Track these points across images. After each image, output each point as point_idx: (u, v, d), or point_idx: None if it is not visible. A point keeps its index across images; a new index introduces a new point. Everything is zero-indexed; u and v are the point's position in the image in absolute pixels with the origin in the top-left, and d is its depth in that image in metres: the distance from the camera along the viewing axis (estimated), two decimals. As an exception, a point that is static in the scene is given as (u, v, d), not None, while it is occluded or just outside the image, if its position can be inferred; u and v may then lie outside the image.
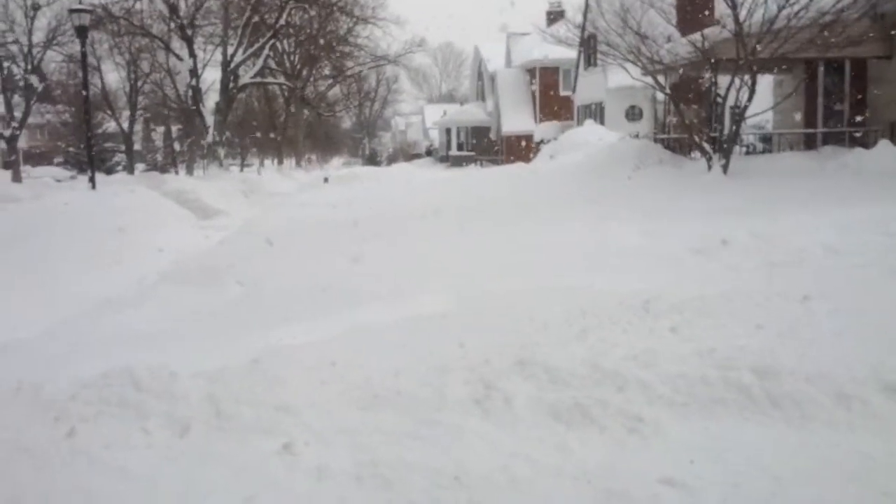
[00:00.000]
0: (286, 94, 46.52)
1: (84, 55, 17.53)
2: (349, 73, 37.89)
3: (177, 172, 42.33)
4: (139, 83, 44.64)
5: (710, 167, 14.20)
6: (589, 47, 31.59)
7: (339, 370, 3.81)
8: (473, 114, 46.62)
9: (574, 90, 34.20)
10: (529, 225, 10.99)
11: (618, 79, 28.14)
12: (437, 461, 2.90)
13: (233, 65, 28.27)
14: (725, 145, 14.21)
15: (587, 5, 30.61)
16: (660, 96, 28.85)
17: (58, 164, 55.05)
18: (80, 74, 46.55)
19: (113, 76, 47.44)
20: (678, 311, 4.50)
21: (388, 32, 57.30)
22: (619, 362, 3.70)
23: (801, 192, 11.70)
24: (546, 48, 37.84)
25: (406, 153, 68.36)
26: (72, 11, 16.59)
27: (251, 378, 3.69)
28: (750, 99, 14.07)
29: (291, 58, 42.86)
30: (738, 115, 14.13)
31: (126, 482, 2.92)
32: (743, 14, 13.54)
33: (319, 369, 3.82)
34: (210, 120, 28.59)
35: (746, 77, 13.93)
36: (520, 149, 37.59)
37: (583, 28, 31.98)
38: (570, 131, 28.38)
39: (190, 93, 44.83)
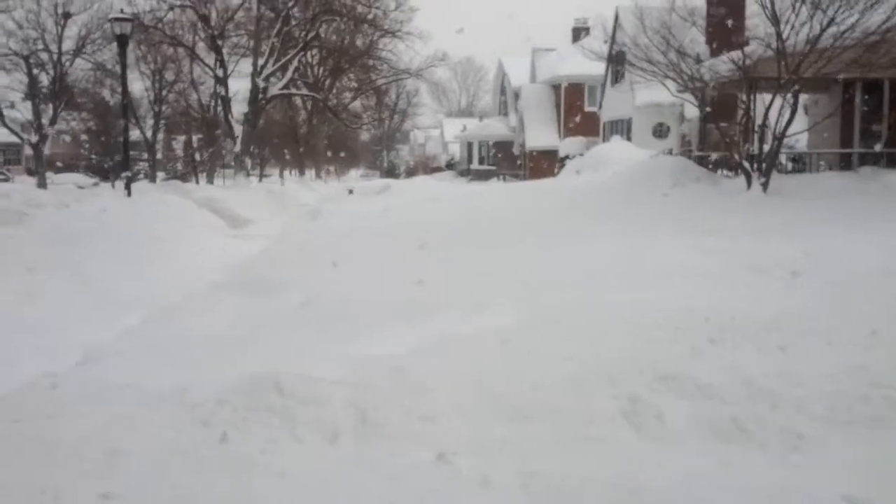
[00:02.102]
0: (308, 105, 46.79)
1: (123, 64, 17.67)
2: (373, 85, 38.05)
3: (197, 181, 42.61)
4: (164, 92, 45.10)
5: (749, 185, 14.12)
6: (617, 64, 31.60)
7: (472, 380, 3.78)
8: (495, 128, 46.69)
9: (600, 106, 34.19)
10: (574, 238, 10.96)
11: (646, 96, 28.12)
12: (606, 474, 2.86)
13: (262, 76, 28.44)
14: (765, 164, 14.14)
15: (616, 22, 30.66)
16: (688, 114, 28.88)
17: (81, 171, 55.50)
18: (106, 82, 47.02)
19: (137, 85, 47.83)
20: (775, 330, 4.46)
21: (410, 46, 57.70)
22: (764, 379, 3.66)
23: (845, 213, 11.61)
24: (572, 63, 37.94)
25: (426, 166, 68.51)
26: (113, 20, 16.77)
27: (393, 386, 3.67)
28: (791, 118, 14.00)
29: (315, 70, 43.16)
30: (780, 133, 14.05)
31: (287, 487, 2.90)
32: (786, 32, 13.48)
33: (454, 379, 3.78)
34: (238, 130, 28.76)
35: (788, 96, 13.87)
36: (543, 164, 37.58)
37: (610, 44, 32.01)
38: (597, 147, 28.34)
39: (213, 103, 45.22)
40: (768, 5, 13.57)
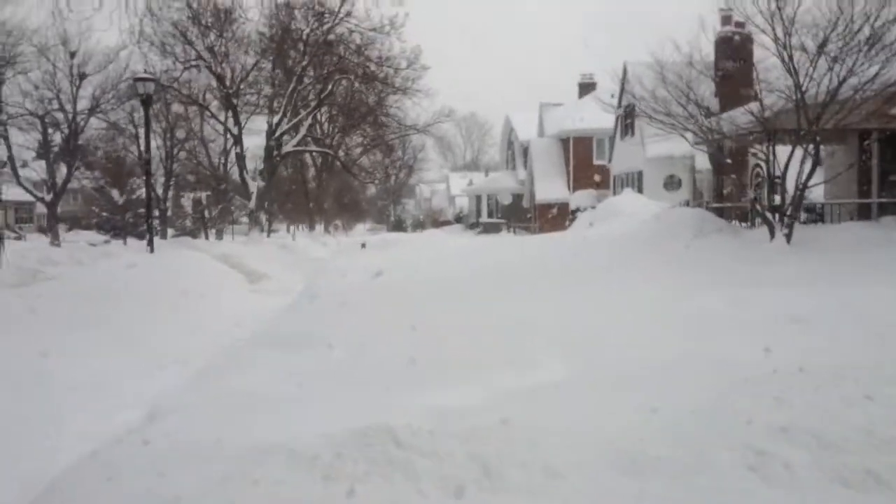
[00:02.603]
0: (318, 161, 47.31)
1: (147, 122, 17.93)
2: (383, 141, 38.53)
3: (207, 237, 42.89)
4: (175, 150, 45.67)
5: (772, 236, 14.14)
6: (626, 117, 32.02)
7: (576, 432, 3.73)
8: (503, 182, 47.09)
9: (610, 160, 34.51)
10: (605, 289, 10.95)
11: (656, 149, 28.39)
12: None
13: (277, 134, 28.84)
14: (787, 215, 14.18)
15: (624, 77, 31.12)
16: (699, 165, 29.11)
17: (92, 229, 55.74)
18: (118, 141, 47.61)
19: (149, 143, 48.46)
20: (848, 379, 4.41)
21: (417, 103, 58.61)
22: (885, 428, 3.60)
23: (871, 264, 11.59)
24: (579, 117, 38.48)
25: (435, 220, 68.89)
26: (136, 80, 17.08)
27: (505, 438, 3.62)
28: (813, 169, 14.09)
29: (325, 126, 43.77)
30: (802, 185, 14.12)
31: None
32: (804, 83, 13.64)
33: (558, 431, 3.73)
34: (252, 187, 29.04)
35: (809, 147, 13.98)
36: (553, 216, 37.77)
37: (619, 98, 32.48)
38: (609, 200, 28.53)
39: (222, 160, 45.65)
40: (787, 59, 13.77)
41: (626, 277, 11.99)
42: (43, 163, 39.37)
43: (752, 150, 25.83)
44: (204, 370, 7.02)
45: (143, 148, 18.15)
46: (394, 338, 7.59)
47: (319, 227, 51.08)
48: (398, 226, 74.34)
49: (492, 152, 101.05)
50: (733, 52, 27.04)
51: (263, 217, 29.83)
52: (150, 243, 17.09)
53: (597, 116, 37.05)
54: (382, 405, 4.56)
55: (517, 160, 47.00)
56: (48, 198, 38.68)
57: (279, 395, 5.22)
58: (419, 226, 72.32)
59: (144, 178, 17.97)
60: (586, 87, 42.47)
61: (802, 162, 14.31)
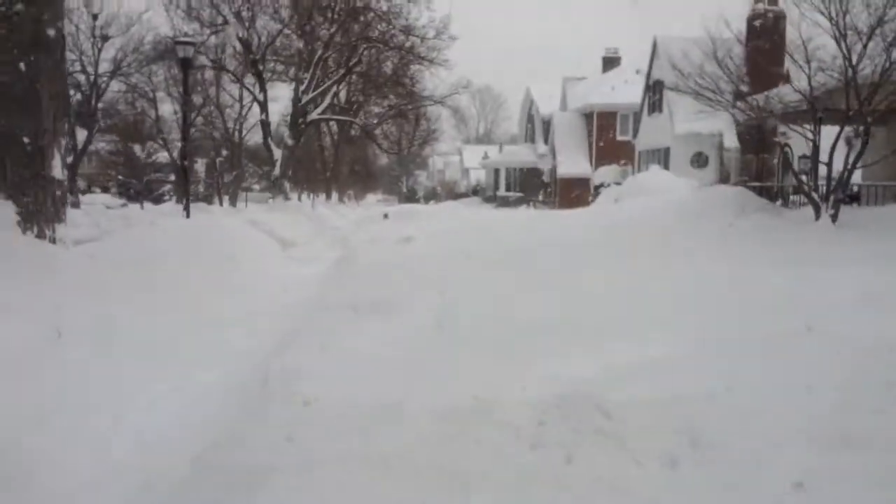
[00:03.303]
0: (333, 130, 47.13)
1: (186, 87, 17.82)
2: (407, 111, 38.30)
3: (221, 203, 42.94)
4: (192, 116, 45.49)
5: (817, 217, 14.08)
6: (653, 93, 31.77)
7: (764, 405, 3.72)
8: (523, 155, 46.88)
9: (635, 135, 34.31)
10: (664, 264, 10.90)
11: (685, 125, 28.21)
12: None
13: (304, 101, 28.72)
14: (834, 195, 14.11)
15: (654, 52, 30.87)
16: (727, 144, 28.92)
17: (108, 193, 55.74)
18: (138, 104, 47.44)
19: (167, 107, 48.39)
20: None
21: (435, 73, 58.19)
22: None
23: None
24: (603, 92, 38.23)
25: (451, 192, 68.67)
26: (177, 43, 16.97)
27: (712, 408, 3.62)
28: (862, 150, 13.99)
29: (340, 95, 43.47)
30: (851, 165, 14.04)
31: None
32: (858, 62, 13.49)
33: (750, 404, 3.72)
34: (277, 154, 28.98)
35: (859, 128, 13.88)
36: (574, 191, 37.66)
37: (647, 74, 32.25)
38: (636, 176, 28.42)
39: (237, 128, 45.46)
40: (839, 37, 13.61)
41: (682, 253, 11.96)
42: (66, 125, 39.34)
43: (782, 131, 25.63)
44: (295, 332, 7.02)
45: (188, 114, 17.97)
46: (472, 306, 7.59)
47: (334, 197, 51.05)
48: (411, 197, 74.15)
49: (505, 125, 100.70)
50: (766, 30, 26.83)
51: (287, 184, 29.78)
52: (187, 209, 17.09)
53: (621, 91, 36.84)
54: (510, 374, 4.56)
55: (537, 134, 46.77)
56: (69, 160, 38.68)
57: (398, 359, 5.21)
58: (432, 197, 72.18)
59: (182, 145, 17.86)
60: (610, 62, 42.15)
61: (849, 143, 14.24)
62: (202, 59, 29.27)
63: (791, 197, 18.41)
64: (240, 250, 15.19)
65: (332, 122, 41.75)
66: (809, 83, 14.30)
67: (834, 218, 13.84)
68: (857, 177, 19.20)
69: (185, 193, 17.37)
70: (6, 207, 8.43)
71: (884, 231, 12.86)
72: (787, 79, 20.35)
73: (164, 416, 5.33)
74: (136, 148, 45.67)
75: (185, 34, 30.28)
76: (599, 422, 3.58)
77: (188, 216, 16.96)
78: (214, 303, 10.05)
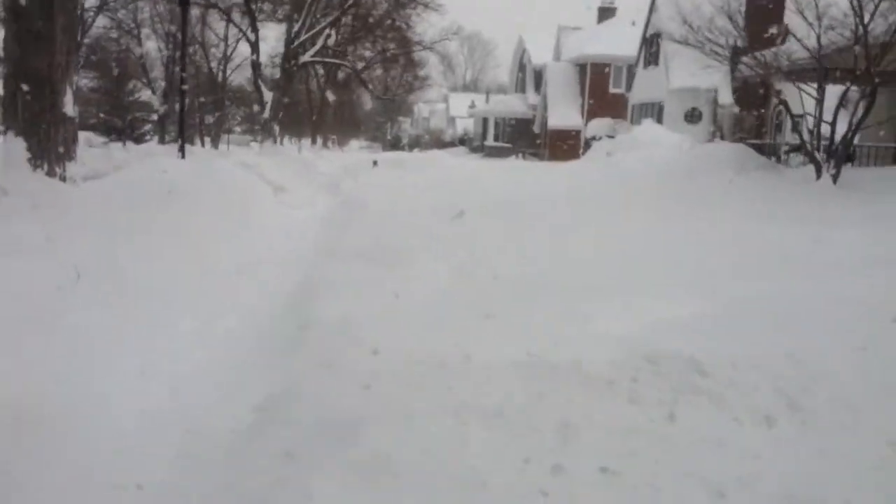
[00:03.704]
0: (319, 74, 46.31)
1: (184, 29, 17.30)
2: (398, 55, 37.59)
3: (203, 145, 42.28)
4: (177, 54, 44.47)
5: (818, 176, 14.12)
6: (650, 46, 31.45)
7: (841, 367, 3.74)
8: (513, 105, 46.43)
9: (629, 88, 34.04)
10: (673, 221, 10.90)
11: (681, 80, 27.99)
12: None
13: (297, 42, 28.13)
14: (836, 156, 14.14)
15: (652, 5, 30.45)
16: (721, 100, 28.79)
17: (89, 131, 54.73)
18: (122, 41, 46.33)
19: (150, 44, 47.22)
20: None
21: (425, 18, 57.08)
22: None
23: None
24: (598, 43, 37.75)
25: (438, 141, 68.06)
26: (174, -21, 16.45)
27: (796, 368, 3.62)
28: (868, 110, 13.97)
29: (330, 38, 42.53)
30: (855, 125, 14.04)
31: (764, 467, 2.89)
32: (867, 19, 13.36)
33: (820, 366, 3.74)
34: (267, 96, 28.46)
35: (866, 89, 13.84)
36: (564, 144, 37.45)
37: (645, 27, 31.86)
38: (629, 130, 28.27)
39: (220, 68, 44.42)
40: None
41: (685, 212, 11.95)
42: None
43: (777, 89, 25.49)
44: (320, 281, 6.94)
45: (186, 55, 17.46)
46: (491, 259, 7.56)
47: (318, 142, 50.42)
48: (395, 144, 73.38)
49: (494, 73, 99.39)
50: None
51: (276, 127, 29.31)
52: (182, 149, 16.78)
53: (616, 43, 36.39)
54: (555, 330, 4.55)
55: (528, 84, 46.27)
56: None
57: (437, 313, 5.16)
58: (416, 145, 71.51)
59: (180, 85, 17.45)
60: (606, 12, 41.58)
61: (843, 104, 14.24)
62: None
63: (789, 155, 18.42)
64: (237, 194, 14.99)
65: (318, 66, 40.95)
66: (818, 41, 14.20)
67: (835, 178, 13.90)
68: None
69: (181, 133, 17.04)
70: (17, 144, 8.23)
71: (880, 192, 12.91)
72: (785, 35, 20.23)
73: (193, 362, 5.29)
74: (119, 92, 44.74)
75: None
76: (696, 380, 3.59)
77: (183, 157, 16.66)
78: (222, 247, 9.92)
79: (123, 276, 7.41)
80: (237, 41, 41.03)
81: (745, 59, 15.53)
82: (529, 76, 45.80)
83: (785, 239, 9.13)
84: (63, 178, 8.52)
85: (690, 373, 3.64)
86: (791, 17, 16.54)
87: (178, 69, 50.04)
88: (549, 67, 40.20)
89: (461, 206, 12.60)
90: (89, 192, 8.99)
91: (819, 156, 14.30)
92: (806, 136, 14.72)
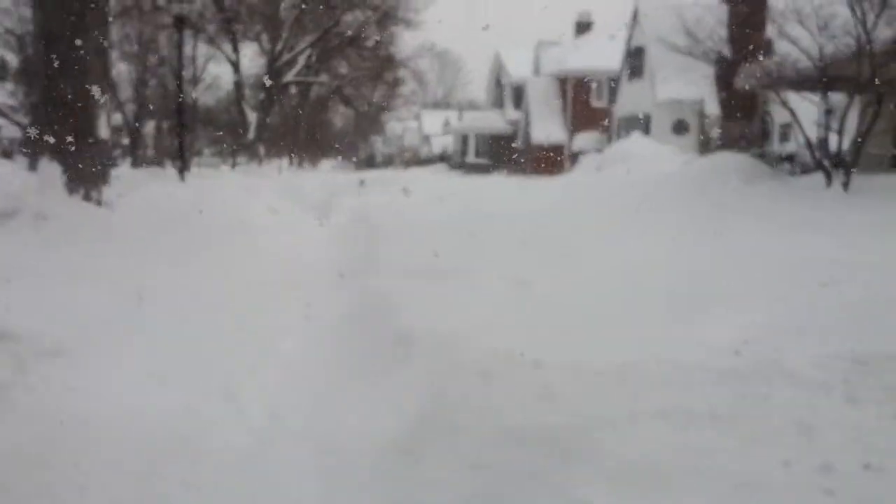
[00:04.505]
0: (293, 94, 46.10)
1: (180, 50, 16.91)
2: (379, 72, 37.55)
3: (175, 168, 41.66)
4: (147, 76, 43.87)
5: (828, 184, 14.19)
6: (634, 59, 31.67)
7: None
8: (492, 121, 46.52)
9: (613, 101, 34.24)
10: (691, 234, 10.83)
11: (667, 91, 28.23)
12: None
13: (279, 62, 27.95)
14: (846, 163, 14.23)
15: (635, 19, 30.67)
16: (708, 111, 29.05)
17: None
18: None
19: (121, 67, 46.51)
20: None
21: (399, 36, 57.21)
22: None
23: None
24: (578, 57, 37.96)
25: (417, 158, 67.96)
26: (170, 1, 16.16)
27: None
28: (874, 119, 14.08)
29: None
30: (863, 133, 14.15)
31: None
32: (872, 31, 13.51)
33: None
34: (251, 117, 28.21)
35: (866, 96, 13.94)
36: (549, 159, 37.49)
37: (628, 40, 32.09)
38: (618, 143, 28.37)
39: (192, 89, 43.86)
40: (854, 6, 13.63)
41: (707, 221, 11.89)
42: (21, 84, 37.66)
43: (764, 99, 25.69)
44: (384, 296, 6.73)
45: (182, 76, 17.12)
46: (545, 272, 7.42)
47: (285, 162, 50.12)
48: (370, 163, 73.15)
49: (465, 91, 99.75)
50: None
51: (261, 149, 29.04)
52: (182, 172, 16.48)
53: (596, 57, 36.61)
54: (664, 337, 4.47)
55: (506, 99, 46.41)
56: (27, 121, 37.11)
57: (531, 322, 5.05)
58: (390, 163, 71.31)
59: (176, 108, 17.13)
60: (583, 27, 41.90)
61: (861, 112, 14.35)
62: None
63: (780, 164, 18.54)
64: (243, 215, 14.78)
65: (293, 85, 40.84)
66: (820, 51, 14.32)
67: (846, 186, 13.96)
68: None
69: (182, 157, 16.71)
70: (52, 168, 8.05)
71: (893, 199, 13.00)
72: (768, 45, 20.46)
73: (278, 385, 5.10)
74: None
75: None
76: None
77: (182, 179, 16.37)
78: (258, 265, 9.76)
79: (179, 296, 7.25)
80: (206, 61, 40.70)
81: (747, 66, 15.61)
82: (508, 92, 45.97)
83: (818, 247, 9.08)
84: (98, 202, 8.35)
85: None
86: (776, 27, 16.68)
87: (146, 91, 49.39)
88: (529, 82, 40.36)
89: (477, 222, 12.47)
90: (124, 216, 8.79)
91: (828, 163, 14.39)
92: (801, 144, 14.82)
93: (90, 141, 8.30)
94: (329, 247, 12.66)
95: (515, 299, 6.17)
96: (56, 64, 8.21)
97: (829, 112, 15.05)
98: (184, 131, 16.84)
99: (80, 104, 8.27)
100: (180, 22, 15.81)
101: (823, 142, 14.76)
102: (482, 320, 5.24)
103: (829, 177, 14.26)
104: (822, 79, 14.51)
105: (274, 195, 25.82)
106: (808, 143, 15.12)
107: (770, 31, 19.72)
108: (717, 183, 15.91)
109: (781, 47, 16.30)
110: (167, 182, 16.41)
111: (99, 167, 8.48)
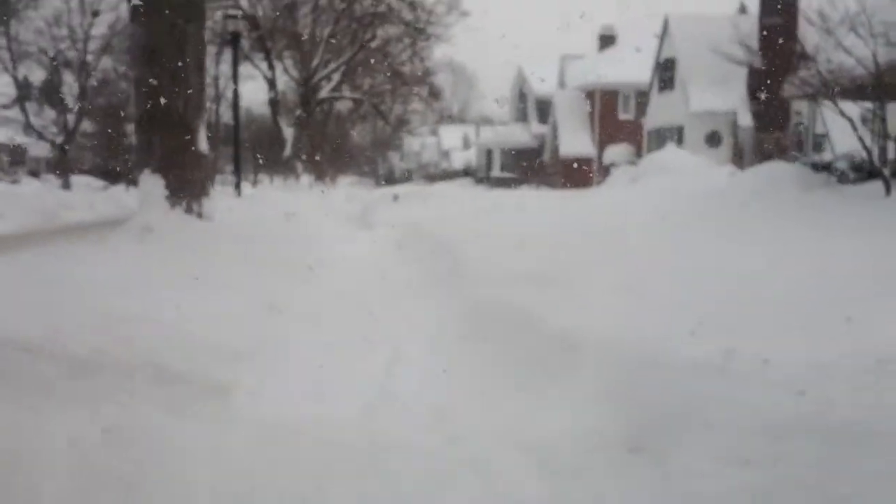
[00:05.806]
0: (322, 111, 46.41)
1: (235, 65, 17.17)
2: (413, 86, 37.73)
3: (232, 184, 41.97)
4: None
5: (888, 192, 14.20)
6: (664, 70, 31.78)
7: None
8: (517, 135, 46.68)
9: (643, 114, 34.33)
10: (781, 245, 10.84)
11: (700, 103, 28.33)
12: None
13: (315, 79, 28.19)
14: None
15: (665, 31, 30.81)
16: (741, 122, 29.10)
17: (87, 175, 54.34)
18: (122, 84, 46.06)
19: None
20: None
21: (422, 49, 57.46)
22: None
23: None
24: (605, 70, 38.11)
25: (442, 173, 68.14)
26: (227, 17, 16.42)
27: None
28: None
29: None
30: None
31: None
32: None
33: None
34: (287, 134, 28.43)
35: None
36: (578, 172, 37.58)
37: (658, 51, 32.21)
38: (653, 155, 28.41)
39: (215, 106, 44.23)
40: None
41: (778, 230, 11.92)
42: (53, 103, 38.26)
43: (796, 109, 25.68)
44: (507, 304, 6.82)
45: (238, 92, 17.39)
46: (658, 277, 7.48)
47: (308, 178, 50.43)
48: (389, 179, 73.39)
49: (478, 106, 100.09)
50: (778, 7, 26.89)
51: (299, 165, 29.23)
52: (238, 187, 16.68)
53: (623, 69, 36.79)
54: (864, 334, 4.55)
55: (529, 113, 46.58)
56: (59, 140, 37.61)
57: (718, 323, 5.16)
58: (409, 179, 71.47)
59: (234, 123, 17.36)
60: (607, 40, 42.04)
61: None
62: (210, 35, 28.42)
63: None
64: (315, 230, 15.00)
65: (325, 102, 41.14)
66: (875, 58, 14.37)
67: (905, 193, 13.99)
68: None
69: (237, 172, 16.89)
70: (154, 181, 8.18)
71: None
72: (801, 54, 20.48)
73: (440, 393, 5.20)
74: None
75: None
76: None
77: (239, 195, 16.56)
78: (358, 272, 9.93)
79: (303, 305, 7.40)
80: (227, 79, 41.07)
81: (793, 76, 15.68)
82: (531, 106, 46.13)
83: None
84: (199, 215, 8.46)
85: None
86: (808, 34, 16.71)
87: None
88: (556, 96, 40.53)
89: (554, 233, 12.56)
90: (222, 228, 8.96)
91: (887, 172, 14.40)
92: (837, 154, 14.81)
93: (192, 154, 8.41)
94: (400, 259, 12.75)
95: (657, 306, 6.21)
96: (155, 74, 8.34)
97: (884, 120, 15.08)
98: (238, 149, 16.98)
99: (178, 116, 8.38)
100: (236, 38, 16.03)
101: (883, 150, 14.77)
102: (643, 325, 5.29)
103: (887, 185, 14.28)
104: (879, 86, 14.57)
105: (313, 210, 26.10)
106: (867, 151, 15.14)
107: (808, 39, 19.81)
108: (774, 192, 15.93)
109: (824, 56, 16.34)
110: (225, 197, 16.61)
111: (198, 180, 8.61)
